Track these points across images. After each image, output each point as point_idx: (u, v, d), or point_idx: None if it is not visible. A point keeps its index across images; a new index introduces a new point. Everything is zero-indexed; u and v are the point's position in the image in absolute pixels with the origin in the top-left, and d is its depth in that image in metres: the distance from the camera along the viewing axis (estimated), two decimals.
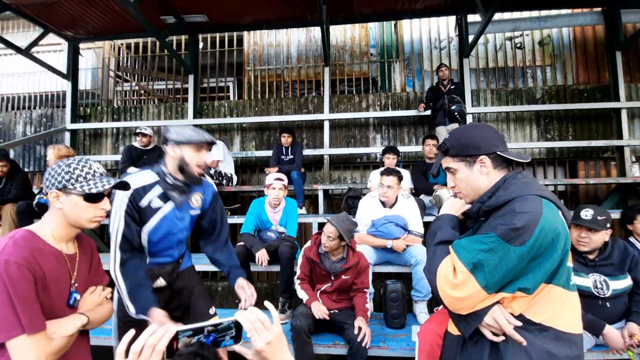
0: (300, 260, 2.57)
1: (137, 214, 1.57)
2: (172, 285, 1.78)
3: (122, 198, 1.54)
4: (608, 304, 1.98)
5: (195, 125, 5.27)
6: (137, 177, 1.59)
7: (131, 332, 0.71)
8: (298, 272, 2.55)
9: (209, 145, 1.65)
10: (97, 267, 1.36)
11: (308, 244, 2.58)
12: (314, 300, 2.40)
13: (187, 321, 1.70)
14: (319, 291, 2.52)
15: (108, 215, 1.29)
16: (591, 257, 2.04)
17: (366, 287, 2.49)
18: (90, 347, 1.33)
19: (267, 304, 0.81)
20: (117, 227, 1.53)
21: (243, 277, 1.79)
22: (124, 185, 1.27)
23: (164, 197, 1.63)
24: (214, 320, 0.75)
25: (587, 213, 2.01)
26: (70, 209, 1.15)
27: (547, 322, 0.97)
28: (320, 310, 2.32)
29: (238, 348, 0.75)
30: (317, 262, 2.47)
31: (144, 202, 1.58)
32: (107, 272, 1.44)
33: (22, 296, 1.00)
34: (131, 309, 1.50)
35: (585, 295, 1.93)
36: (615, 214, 3.04)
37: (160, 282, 1.72)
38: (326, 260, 2.47)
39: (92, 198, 1.17)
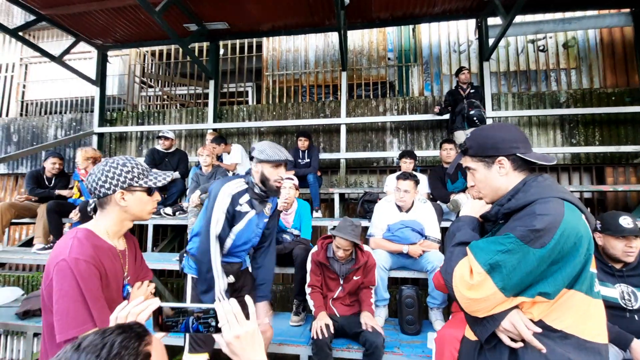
0: (309, 266, 2.58)
1: (230, 215, 1.78)
2: (234, 283, 1.98)
3: (225, 197, 1.76)
4: (636, 317, 1.88)
5: (215, 130, 5.41)
6: (235, 183, 1.81)
7: (124, 303, 0.78)
8: (309, 279, 2.56)
9: (287, 163, 1.85)
10: (142, 262, 1.43)
11: (315, 248, 2.60)
12: (321, 311, 2.40)
13: None
14: (332, 299, 2.52)
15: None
16: (618, 266, 1.95)
17: (372, 284, 2.55)
18: None
19: (246, 298, 0.81)
20: (217, 218, 1.73)
21: (267, 301, 1.95)
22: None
23: (250, 204, 1.84)
24: (196, 305, 0.78)
25: (628, 221, 1.89)
26: (135, 204, 1.23)
27: (569, 329, 0.93)
28: (318, 326, 2.27)
29: (217, 337, 0.76)
30: (327, 266, 2.48)
31: (237, 207, 1.80)
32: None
33: (92, 291, 1.06)
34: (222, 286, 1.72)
35: (612, 307, 1.84)
36: None
37: (231, 279, 1.92)
38: (335, 263, 2.48)
39: (152, 191, 1.27)
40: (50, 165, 4.09)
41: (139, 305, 0.77)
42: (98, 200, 1.23)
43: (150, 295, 1.37)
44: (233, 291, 2.00)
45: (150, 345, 0.65)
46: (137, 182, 1.22)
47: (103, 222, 1.24)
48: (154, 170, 1.32)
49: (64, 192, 4.10)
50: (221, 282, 1.72)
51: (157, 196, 1.30)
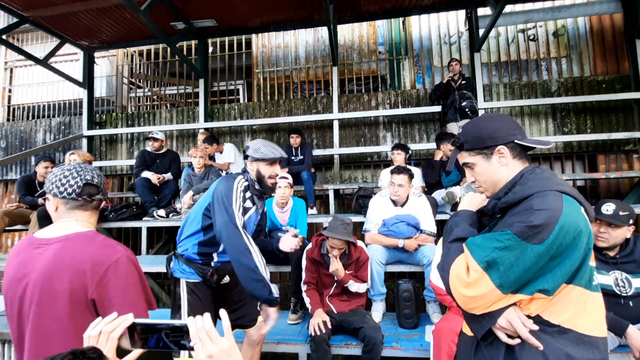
0: (304, 263, 2.57)
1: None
2: (229, 284, 1.96)
3: (239, 190, 1.75)
4: (631, 303, 1.90)
5: (206, 129, 5.35)
6: (240, 180, 1.80)
7: (97, 320, 0.75)
8: (304, 276, 2.55)
9: (281, 160, 1.86)
10: None
11: (309, 245, 2.58)
12: (317, 308, 2.40)
13: (237, 321, 1.94)
14: (328, 296, 2.52)
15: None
16: (612, 254, 1.97)
17: (364, 280, 2.54)
18: None
19: (221, 312, 0.77)
20: (238, 208, 1.70)
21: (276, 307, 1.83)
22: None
23: (252, 200, 1.86)
24: (169, 321, 0.75)
25: (608, 208, 1.94)
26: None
27: (566, 323, 0.92)
28: (316, 323, 2.27)
29: (194, 355, 0.72)
30: (322, 262, 2.47)
31: (244, 202, 1.80)
32: None
33: (145, 281, 1.15)
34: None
35: (606, 294, 1.83)
36: (639, 209, 2.92)
37: (227, 279, 1.91)
38: (329, 260, 2.46)
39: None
40: (43, 170, 3.99)
41: (112, 322, 0.74)
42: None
43: None
44: (227, 291, 1.97)
45: None
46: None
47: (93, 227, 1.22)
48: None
49: (41, 201, 3.96)
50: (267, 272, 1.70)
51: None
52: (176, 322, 0.74)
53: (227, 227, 1.63)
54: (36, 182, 4.06)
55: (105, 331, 0.71)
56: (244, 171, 1.88)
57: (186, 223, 1.89)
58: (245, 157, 1.86)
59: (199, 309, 1.80)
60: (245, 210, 1.81)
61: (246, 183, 1.83)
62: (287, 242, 1.94)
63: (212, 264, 1.84)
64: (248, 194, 1.83)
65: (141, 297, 1.11)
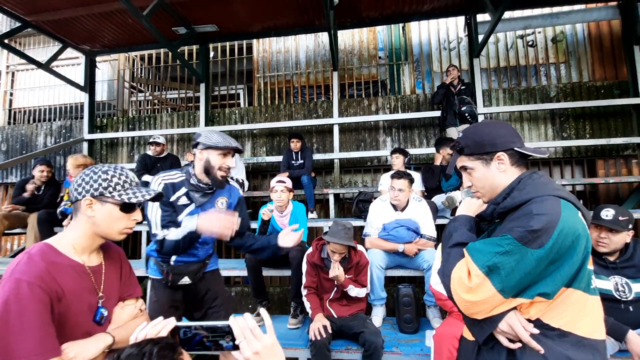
0: (305, 267, 2.57)
1: (168, 206, 1.69)
2: (196, 285, 1.87)
3: (156, 185, 1.70)
4: (631, 308, 1.90)
5: None
6: (169, 174, 1.74)
7: (143, 324, 0.78)
8: (304, 280, 2.55)
9: (235, 151, 1.74)
10: (129, 276, 1.28)
11: (310, 250, 2.58)
12: (318, 313, 2.39)
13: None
14: (328, 300, 2.51)
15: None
16: (612, 258, 1.97)
17: (364, 285, 2.52)
18: None
19: (261, 311, 0.80)
20: (155, 215, 1.66)
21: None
22: (159, 196, 1.23)
23: (188, 196, 1.74)
24: (211, 322, 0.77)
25: (607, 213, 1.95)
26: (102, 218, 1.09)
27: (566, 327, 0.93)
28: (316, 327, 2.27)
29: (235, 354, 0.74)
30: (322, 267, 2.47)
31: (173, 198, 1.71)
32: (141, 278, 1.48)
33: (31, 319, 0.91)
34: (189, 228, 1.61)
35: (606, 299, 1.85)
36: (638, 214, 2.93)
37: (186, 280, 1.82)
38: (329, 264, 2.46)
39: (128, 208, 1.12)
40: (39, 174, 4.00)
41: (157, 325, 0.76)
42: (72, 206, 1.12)
43: (139, 313, 1.25)
44: (195, 293, 1.88)
45: (182, 355, 0.68)
46: (110, 193, 1.08)
47: (70, 235, 1.10)
48: (144, 188, 1.18)
49: (29, 187, 3.93)
50: (178, 231, 1.63)
51: (136, 215, 1.15)
52: (218, 323, 0.75)
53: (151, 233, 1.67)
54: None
55: (151, 334, 0.74)
56: (187, 164, 1.81)
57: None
58: (195, 145, 1.73)
59: (156, 305, 1.79)
60: (180, 208, 1.71)
61: (180, 178, 1.73)
62: (288, 238, 1.79)
63: (171, 262, 1.79)
64: (182, 190, 1.72)
65: None
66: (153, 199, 1.18)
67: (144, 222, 1.60)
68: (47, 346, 0.92)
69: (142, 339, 0.74)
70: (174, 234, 1.64)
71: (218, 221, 1.56)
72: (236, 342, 0.73)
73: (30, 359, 0.88)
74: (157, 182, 1.71)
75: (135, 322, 1.19)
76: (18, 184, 4.04)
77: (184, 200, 1.72)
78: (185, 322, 0.78)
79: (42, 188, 4.08)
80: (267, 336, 0.73)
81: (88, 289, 1.09)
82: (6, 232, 3.93)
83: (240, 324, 0.73)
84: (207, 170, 1.69)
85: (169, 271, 1.78)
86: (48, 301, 0.95)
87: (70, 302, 1.01)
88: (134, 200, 1.10)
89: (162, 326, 0.76)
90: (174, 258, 1.78)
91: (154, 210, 1.67)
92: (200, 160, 1.70)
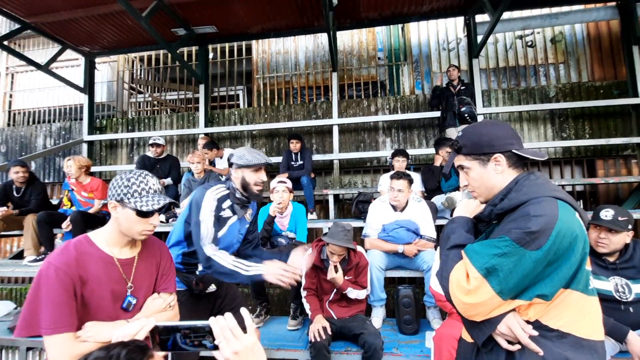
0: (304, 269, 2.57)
1: (215, 220, 1.73)
2: (219, 291, 1.96)
3: (211, 201, 1.72)
4: (631, 309, 1.89)
5: (206, 134, 5.37)
6: (217, 188, 1.78)
7: (122, 327, 0.83)
8: (304, 281, 2.54)
9: (266, 166, 1.82)
10: (168, 271, 1.40)
11: (309, 251, 2.58)
12: (317, 314, 2.39)
13: None
14: (328, 301, 2.51)
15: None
16: (611, 259, 1.97)
17: (363, 286, 2.52)
18: None
19: (242, 310, 0.78)
20: (207, 224, 1.67)
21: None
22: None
23: (232, 209, 1.82)
24: (190, 322, 0.76)
25: (607, 213, 1.94)
26: (124, 220, 1.22)
27: (565, 328, 0.93)
28: (316, 329, 2.26)
29: (215, 354, 0.74)
30: (321, 268, 2.47)
31: (221, 212, 1.77)
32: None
33: (53, 297, 1.08)
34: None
35: (606, 300, 1.86)
36: (638, 215, 2.93)
37: (213, 287, 1.90)
38: (329, 265, 2.46)
39: (144, 214, 1.22)
40: (14, 175, 3.85)
41: (134, 327, 0.79)
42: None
43: (169, 307, 1.35)
44: (216, 299, 1.97)
45: (153, 357, 0.68)
46: (128, 199, 1.21)
47: (105, 230, 1.26)
48: (160, 196, 1.27)
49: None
50: (249, 268, 1.65)
51: (154, 219, 1.26)
52: (198, 323, 0.75)
53: (196, 242, 1.67)
54: (14, 187, 3.94)
55: (129, 334, 0.77)
56: (227, 179, 1.85)
57: (172, 232, 1.89)
58: (230, 164, 1.83)
59: (184, 317, 1.79)
60: (223, 221, 1.78)
61: (226, 192, 1.79)
62: (300, 260, 1.85)
63: (197, 272, 1.83)
64: (227, 203, 1.79)
65: (26, 315, 1.10)
66: (160, 210, 1.26)
67: (172, 221, 1.60)
68: (61, 322, 1.08)
69: (122, 339, 0.76)
70: (232, 262, 1.63)
71: (284, 273, 1.63)
72: (215, 342, 0.72)
73: (46, 329, 1.06)
74: (210, 199, 1.72)
75: (161, 315, 1.31)
76: (1, 187, 3.93)
77: (227, 213, 1.80)
78: (165, 322, 0.78)
79: (23, 189, 3.95)
80: (247, 336, 0.73)
81: (115, 278, 1.22)
82: (3, 233, 3.90)
83: (220, 323, 0.73)
84: (245, 187, 1.79)
85: (199, 280, 1.82)
86: (71, 284, 1.10)
87: (94, 288, 1.16)
88: (144, 209, 1.20)
89: (141, 326, 0.78)
90: (200, 268, 1.82)
91: (207, 220, 1.68)
92: (236, 179, 1.80)
